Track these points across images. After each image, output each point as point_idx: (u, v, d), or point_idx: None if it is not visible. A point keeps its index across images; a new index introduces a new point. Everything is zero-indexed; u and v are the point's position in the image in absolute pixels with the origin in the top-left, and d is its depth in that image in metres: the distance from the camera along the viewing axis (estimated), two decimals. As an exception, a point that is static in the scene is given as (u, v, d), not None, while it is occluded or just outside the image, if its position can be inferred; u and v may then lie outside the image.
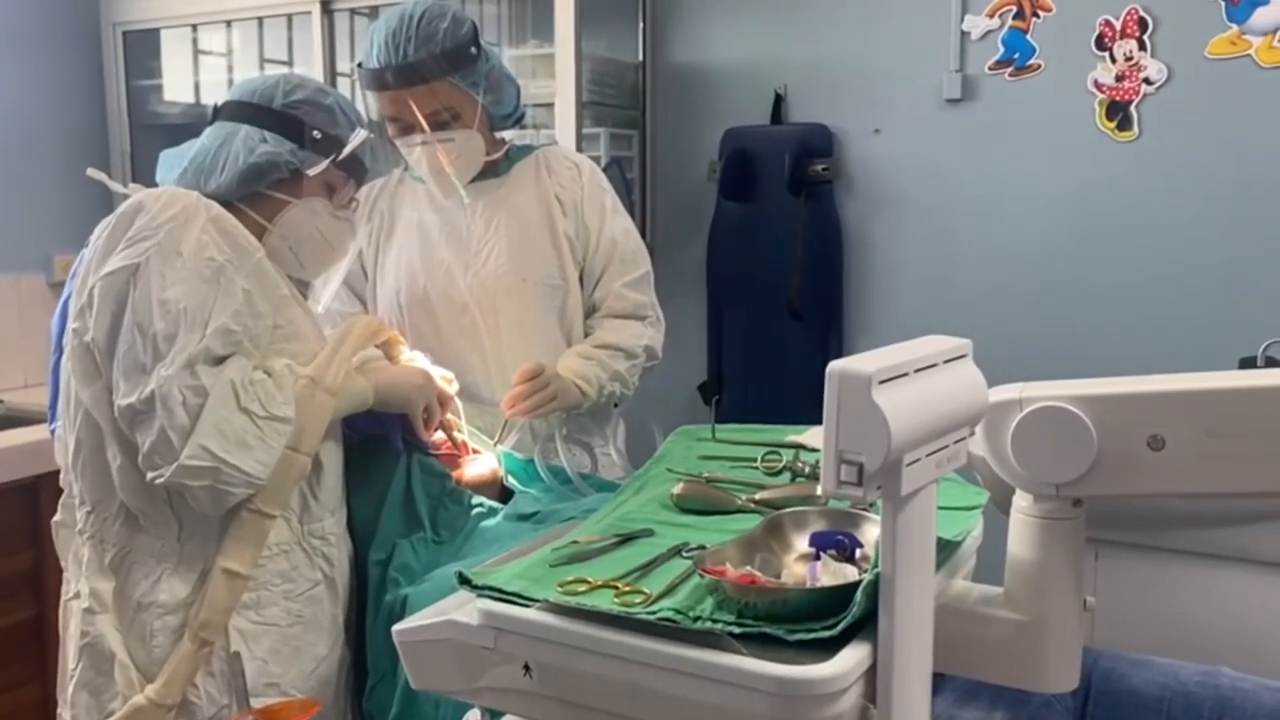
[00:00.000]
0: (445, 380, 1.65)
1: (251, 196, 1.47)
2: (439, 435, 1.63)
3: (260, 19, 3.10)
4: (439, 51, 1.74)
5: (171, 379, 1.29)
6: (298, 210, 1.49)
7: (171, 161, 1.50)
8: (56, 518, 1.49)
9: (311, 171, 1.49)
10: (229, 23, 3.14)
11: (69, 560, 1.47)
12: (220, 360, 1.34)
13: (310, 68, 2.98)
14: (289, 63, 3.13)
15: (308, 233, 1.51)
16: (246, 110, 1.49)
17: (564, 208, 1.90)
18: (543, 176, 1.92)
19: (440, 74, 1.75)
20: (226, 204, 1.43)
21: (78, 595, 1.43)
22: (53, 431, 1.50)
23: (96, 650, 1.40)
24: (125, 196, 1.43)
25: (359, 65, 1.82)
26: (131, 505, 1.39)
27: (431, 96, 1.76)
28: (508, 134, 1.97)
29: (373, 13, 2.92)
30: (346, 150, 1.52)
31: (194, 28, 3.20)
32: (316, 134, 1.48)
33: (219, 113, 1.52)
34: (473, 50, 1.78)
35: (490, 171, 1.91)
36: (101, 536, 1.42)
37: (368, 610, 1.51)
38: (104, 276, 1.34)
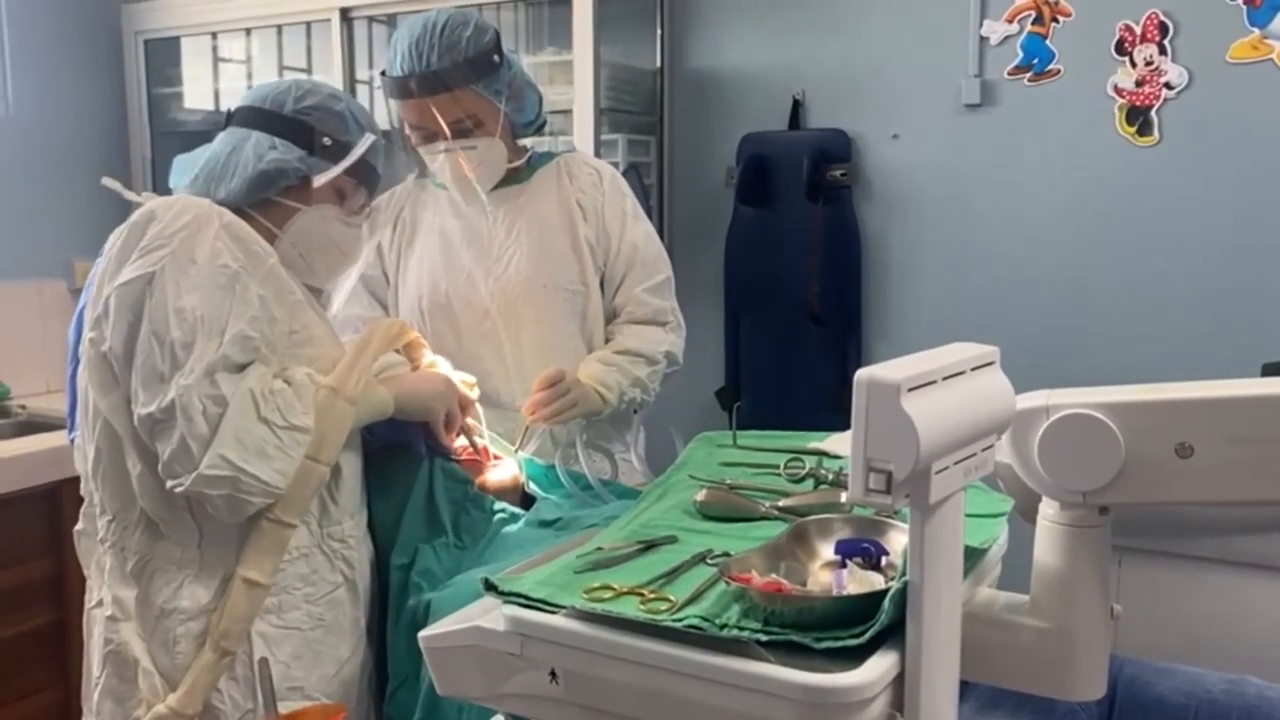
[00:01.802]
0: (467, 385, 1.65)
1: (262, 203, 1.47)
2: (461, 441, 1.64)
3: (279, 27, 3.12)
4: (462, 60, 1.75)
5: (191, 388, 1.29)
6: (308, 217, 1.49)
7: (184, 167, 1.50)
8: (78, 526, 1.49)
9: (320, 179, 1.48)
10: (248, 30, 3.16)
11: (91, 569, 1.48)
12: (240, 368, 1.34)
13: (329, 75, 2.99)
14: (308, 70, 3.15)
15: (318, 239, 1.51)
16: (258, 116, 1.48)
17: (585, 213, 1.91)
18: (564, 182, 1.93)
19: (463, 82, 1.76)
20: (237, 210, 1.43)
21: (101, 603, 1.44)
22: (72, 440, 1.50)
23: (120, 658, 1.41)
24: (139, 205, 1.43)
25: (382, 73, 1.83)
26: (152, 513, 1.39)
27: (454, 104, 1.77)
28: (528, 141, 1.97)
29: (391, 20, 2.94)
30: (353, 155, 1.50)
31: (214, 35, 3.23)
32: (327, 141, 1.48)
33: (231, 118, 1.52)
34: (495, 58, 1.79)
35: (512, 178, 1.91)
36: (123, 544, 1.42)
37: (389, 615, 1.51)
38: (119, 286, 1.34)
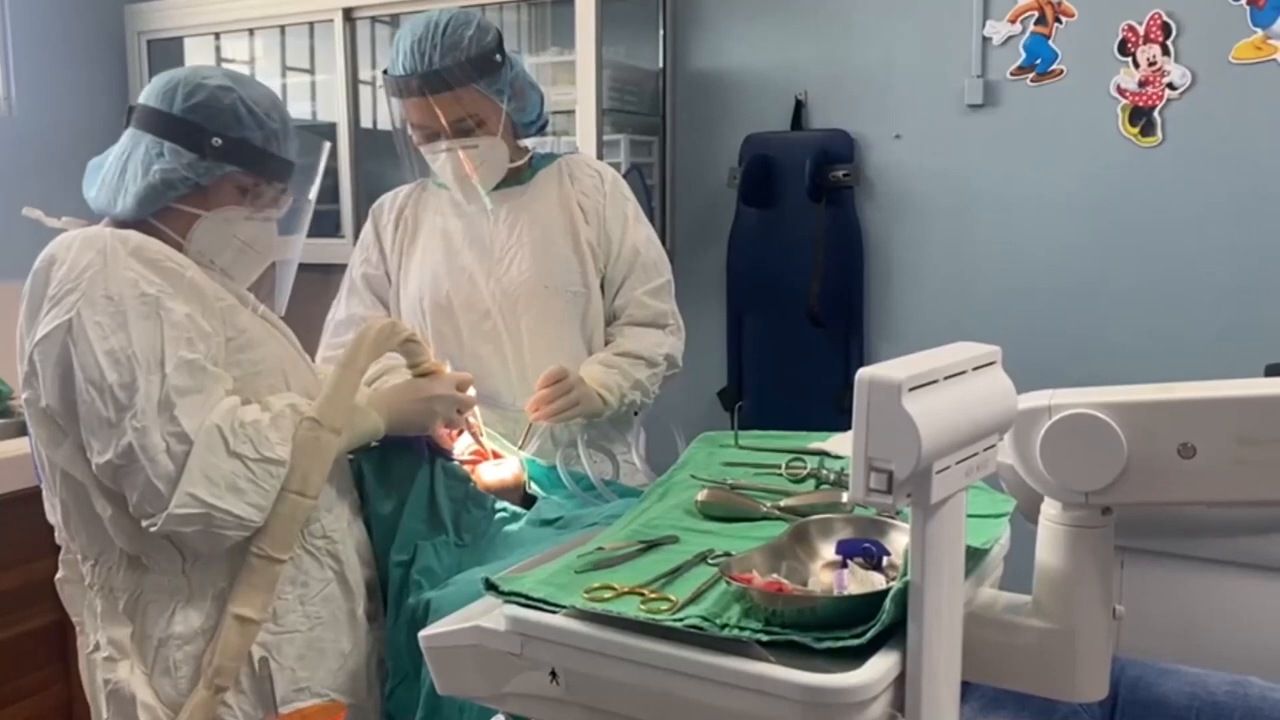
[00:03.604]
0: (463, 382, 1.63)
1: (163, 211, 1.40)
2: (464, 442, 1.63)
3: (282, 27, 3.12)
4: (464, 59, 1.75)
5: (149, 429, 1.25)
6: (208, 223, 1.41)
7: (92, 174, 1.45)
8: (59, 575, 1.47)
9: (216, 181, 1.40)
10: (251, 31, 3.17)
11: (83, 614, 1.45)
12: (194, 393, 1.29)
13: (332, 75, 2.99)
14: (311, 70, 3.15)
15: (225, 242, 1.43)
16: (149, 117, 1.40)
17: (586, 215, 1.91)
18: (565, 184, 1.93)
19: (465, 81, 1.76)
20: (140, 223, 1.39)
21: (97, 647, 1.42)
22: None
23: (121, 696, 1.39)
24: (61, 230, 1.38)
25: (384, 72, 1.83)
26: (130, 550, 1.37)
27: (456, 104, 1.77)
28: (530, 141, 1.98)
29: (394, 20, 2.94)
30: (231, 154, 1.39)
31: (217, 36, 3.23)
32: (217, 141, 1.38)
33: (131, 115, 1.44)
34: (497, 58, 1.79)
35: (514, 179, 1.92)
36: (110, 585, 1.40)
37: (388, 612, 1.51)
38: (39, 341, 1.29)
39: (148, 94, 1.43)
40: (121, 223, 1.40)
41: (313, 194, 1.58)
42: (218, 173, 1.40)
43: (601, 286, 1.93)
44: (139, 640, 1.39)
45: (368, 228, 2.00)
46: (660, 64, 2.89)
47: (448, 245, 1.92)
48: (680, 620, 0.88)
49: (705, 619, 0.87)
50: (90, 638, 1.44)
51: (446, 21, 1.76)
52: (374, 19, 2.98)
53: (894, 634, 0.85)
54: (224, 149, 1.39)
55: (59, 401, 1.30)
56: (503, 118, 1.81)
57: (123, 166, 1.40)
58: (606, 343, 1.94)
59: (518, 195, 1.92)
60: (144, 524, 1.29)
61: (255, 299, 1.48)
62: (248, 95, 1.42)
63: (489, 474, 1.64)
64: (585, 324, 1.91)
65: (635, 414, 1.96)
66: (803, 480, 1.29)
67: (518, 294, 1.87)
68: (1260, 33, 2.29)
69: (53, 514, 1.44)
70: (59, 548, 1.47)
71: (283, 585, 1.40)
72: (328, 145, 1.63)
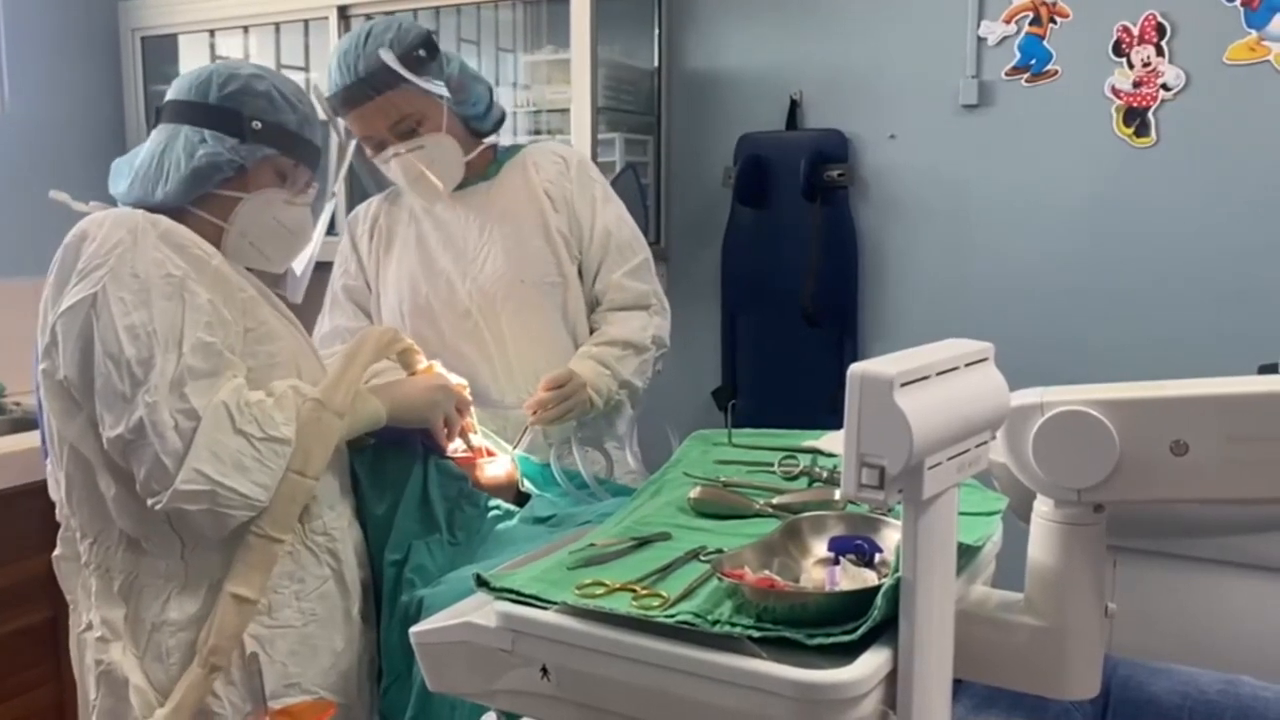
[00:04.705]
0: (459, 388, 1.64)
1: (203, 198, 1.44)
2: (457, 443, 1.63)
3: (277, 24, 3.11)
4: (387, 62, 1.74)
5: (159, 404, 1.27)
6: (251, 204, 1.46)
7: (121, 171, 1.47)
8: (56, 552, 1.47)
9: (255, 165, 1.45)
10: (246, 28, 3.16)
11: (78, 593, 1.46)
12: (207, 376, 1.31)
13: (327, 74, 2.98)
14: (305, 68, 3.14)
15: (266, 224, 1.48)
16: (185, 109, 1.45)
17: (554, 203, 1.90)
18: (531, 174, 1.92)
19: (391, 83, 1.75)
20: (180, 210, 1.41)
21: (90, 626, 1.42)
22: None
23: (112, 677, 1.39)
24: (88, 214, 1.40)
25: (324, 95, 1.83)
26: (131, 531, 1.37)
27: (390, 107, 1.77)
28: (523, 139, 1.97)
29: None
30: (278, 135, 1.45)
31: (211, 33, 3.22)
32: (257, 125, 1.44)
33: (160, 113, 1.48)
34: (421, 53, 1.77)
35: (478, 176, 1.91)
36: (107, 565, 1.40)
37: (382, 611, 1.51)
38: (63, 312, 1.31)
39: (179, 89, 1.47)
40: (156, 209, 1.41)
41: (337, 186, 1.64)
42: (258, 155, 1.44)
43: (579, 273, 1.92)
44: (132, 623, 1.40)
45: (344, 240, 2.00)
46: (655, 63, 2.88)
47: (422, 249, 1.91)
48: (672, 616, 0.88)
49: (697, 615, 0.87)
50: (83, 616, 1.44)
51: (368, 31, 1.77)
52: (368, 17, 2.97)
53: (886, 631, 0.85)
54: (263, 132, 1.45)
55: (77, 374, 1.32)
56: (444, 113, 1.80)
57: (159, 158, 1.43)
58: (591, 330, 1.93)
59: (484, 192, 1.91)
60: (150, 501, 1.30)
61: (274, 294, 1.50)
62: (278, 83, 1.48)
63: (482, 472, 1.64)
64: (566, 314, 1.90)
65: (632, 408, 1.95)
66: (795, 478, 1.29)
67: (494, 291, 1.86)
68: (1254, 34, 2.29)
69: (55, 489, 1.44)
70: (51, 545, 1.47)
71: (279, 579, 1.41)
72: (354, 142, 1.66)
